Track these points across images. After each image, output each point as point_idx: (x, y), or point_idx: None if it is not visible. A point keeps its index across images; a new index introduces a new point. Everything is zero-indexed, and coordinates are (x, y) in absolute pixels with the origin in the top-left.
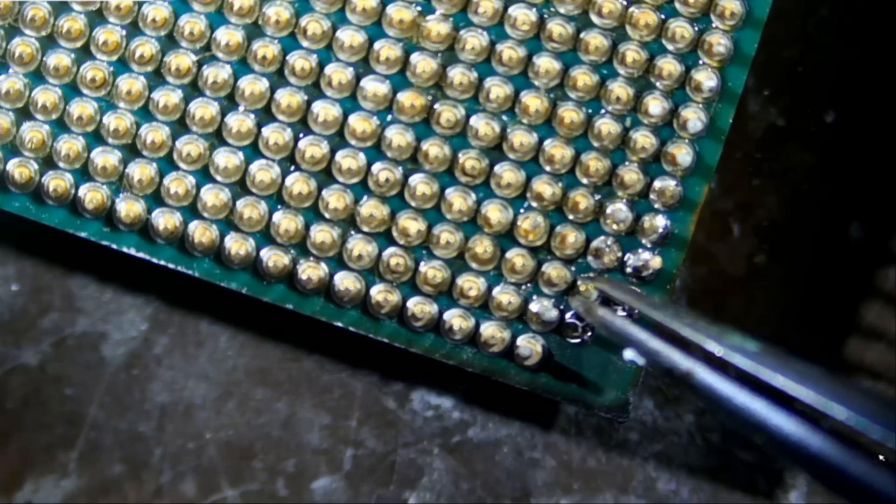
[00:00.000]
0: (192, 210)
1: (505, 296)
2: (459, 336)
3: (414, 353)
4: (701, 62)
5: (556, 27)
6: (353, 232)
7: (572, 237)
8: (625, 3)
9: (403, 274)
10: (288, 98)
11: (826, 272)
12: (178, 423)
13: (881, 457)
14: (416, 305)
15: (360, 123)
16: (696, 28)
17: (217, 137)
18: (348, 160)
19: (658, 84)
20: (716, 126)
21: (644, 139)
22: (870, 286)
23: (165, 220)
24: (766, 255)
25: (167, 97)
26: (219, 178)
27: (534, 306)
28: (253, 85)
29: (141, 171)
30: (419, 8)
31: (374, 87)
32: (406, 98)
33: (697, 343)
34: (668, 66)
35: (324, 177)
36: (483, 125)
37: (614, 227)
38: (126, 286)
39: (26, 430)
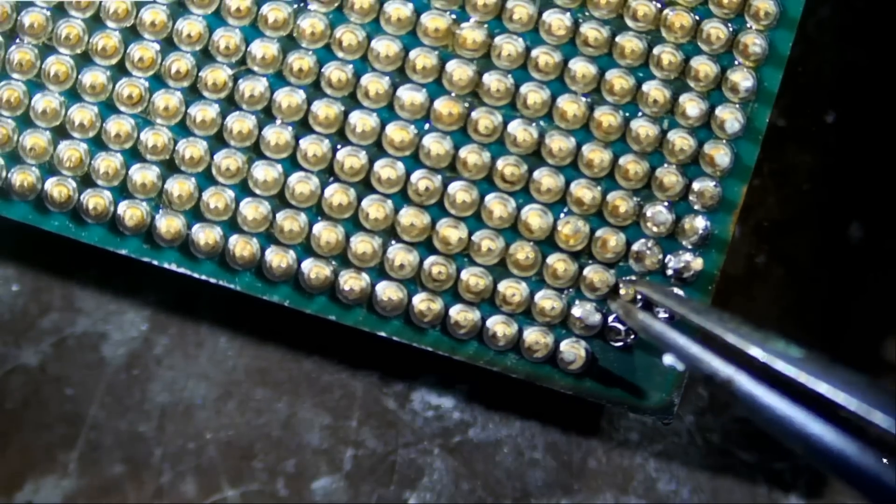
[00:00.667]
0: (232, 224)
1: (547, 301)
2: (503, 343)
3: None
4: (736, 62)
5: (591, 32)
6: (393, 241)
7: (613, 241)
8: (659, 5)
9: (445, 282)
10: (325, 110)
11: (826, 272)
12: (178, 423)
13: None
14: (459, 313)
15: (397, 133)
16: (731, 29)
17: (255, 151)
18: (387, 170)
19: (694, 85)
20: (753, 126)
21: (682, 141)
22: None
23: (206, 235)
24: (766, 255)
25: (204, 112)
26: (258, 191)
27: (576, 311)
28: (289, 97)
29: (180, 186)
30: (454, 16)
31: (410, 96)
32: (443, 106)
33: (740, 348)
34: (704, 67)
35: (362, 187)
36: (521, 131)
37: (654, 229)
38: (126, 286)
39: (26, 431)
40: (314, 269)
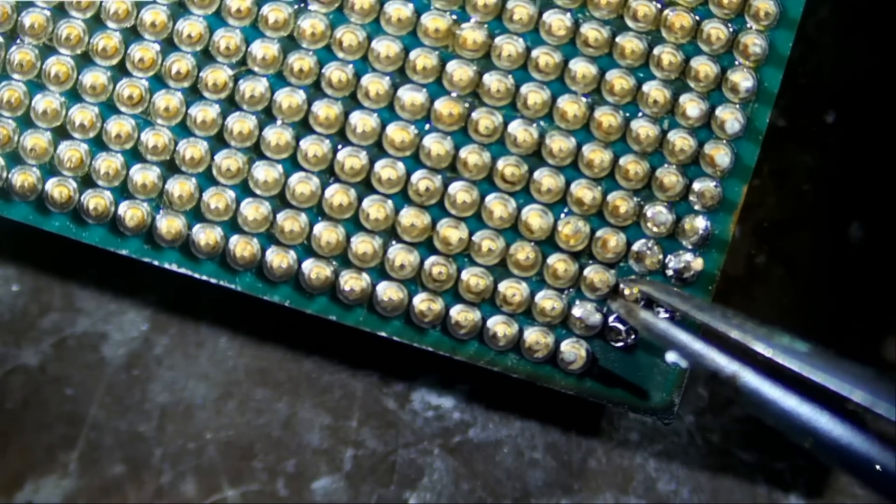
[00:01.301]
0: (232, 225)
1: (548, 301)
2: (503, 343)
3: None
4: (737, 63)
5: (592, 32)
6: (394, 242)
7: (613, 241)
8: (659, 6)
9: (446, 282)
10: (325, 110)
11: (826, 272)
12: (178, 423)
13: None
14: (460, 313)
15: (398, 133)
16: (731, 29)
17: (255, 151)
18: (387, 170)
19: (694, 86)
20: (753, 126)
21: (682, 141)
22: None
23: (206, 235)
24: (766, 255)
25: (205, 112)
26: (258, 191)
27: (577, 311)
28: (290, 98)
29: (180, 187)
30: (454, 16)
31: (411, 96)
32: (443, 107)
33: (745, 344)
34: (704, 67)
35: (363, 188)
36: (521, 132)
37: (655, 229)
38: (127, 286)
39: (27, 431)
40: (315, 270)
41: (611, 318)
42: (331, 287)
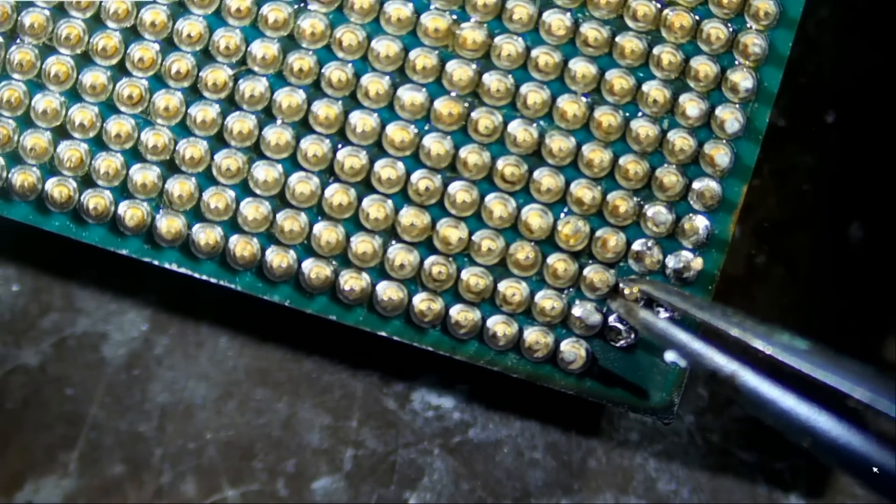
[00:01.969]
0: (232, 224)
1: (547, 301)
2: (503, 342)
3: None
4: (736, 62)
5: (591, 32)
6: (393, 241)
7: (613, 241)
8: (659, 5)
9: (446, 282)
10: (325, 110)
11: (826, 272)
12: (178, 423)
13: None
14: (460, 313)
15: (397, 133)
16: (731, 29)
17: (255, 151)
18: (387, 170)
19: (694, 86)
20: (753, 126)
21: (682, 141)
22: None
23: (206, 235)
24: (766, 255)
25: (204, 112)
26: (258, 191)
27: (576, 311)
28: (290, 98)
29: (180, 186)
30: (454, 16)
31: (411, 96)
32: (443, 106)
33: (745, 342)
34: (704, 67)
35: (363, 187)
36: (521, 131)
37: (655, 229)
38: (127, 286)
39: (27, 431)
40: (315, 269)
41: (611, 318)
42: (331, 287)
